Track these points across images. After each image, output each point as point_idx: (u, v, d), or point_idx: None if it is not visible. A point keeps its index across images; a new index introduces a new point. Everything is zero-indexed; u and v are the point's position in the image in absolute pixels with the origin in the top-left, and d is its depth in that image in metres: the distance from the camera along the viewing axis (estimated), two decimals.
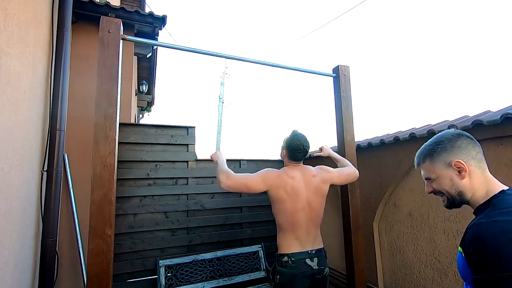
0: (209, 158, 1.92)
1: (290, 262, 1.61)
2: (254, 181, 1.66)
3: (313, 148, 2.27)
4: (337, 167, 1.92)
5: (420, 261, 1.98)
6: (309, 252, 1.65)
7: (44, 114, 2.34)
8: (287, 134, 1.85)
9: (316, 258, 1.65)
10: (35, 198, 2.20)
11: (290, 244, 1.66)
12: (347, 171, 1.87)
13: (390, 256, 2.22)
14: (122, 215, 2.63)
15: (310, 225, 1.70)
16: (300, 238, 1.66)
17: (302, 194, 1.69)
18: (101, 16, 1.49)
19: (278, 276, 1.65)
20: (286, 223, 1.68)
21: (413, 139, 1.92)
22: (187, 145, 2.96)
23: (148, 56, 4.27)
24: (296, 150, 1.73)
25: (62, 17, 2.49)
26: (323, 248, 1.73)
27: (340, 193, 2.07)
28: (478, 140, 0.85)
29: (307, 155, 1.81)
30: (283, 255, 1.64)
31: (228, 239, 3.00)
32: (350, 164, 1.94)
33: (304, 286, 1.63)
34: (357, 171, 1.90)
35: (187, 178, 2.92)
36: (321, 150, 2.09)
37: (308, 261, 1.63)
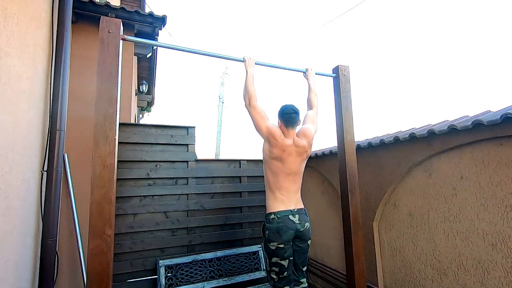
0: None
1: (276, 218, 1.91)
2: (263, 120, 1.98)
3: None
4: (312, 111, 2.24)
5: (420, 261, 1.98)
6: (292, 210, 1.96)
7: (44, 114, 2.34)
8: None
9: (297, 215, 1.96)
10: (35, 198, 2.20)
11: (277, 205, 1.96)
12: (316, 120, 2.22)
13: (390, 256, 2.22)
14: (122, 215, 2.63)
15: (294, 188, 2.02)
16: (285, 200, 1.97)
17: (292, 162, 1.99)
18: (101, 16, 1.49)
19: (267, 232, 1.94)
20: (275, 187, 1.98)
21: (413, 139, 1.91)
22: (187, 145, 2.96)
23: (148, 56, 4.27)
24: (288, 113, 2.03)
25: (62, 17, 2.49)
26: (304, 208, 2.06)
27: (340, 193, 2.07)
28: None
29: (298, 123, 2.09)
30: (271, 213, 1.95)
31: (228, 239, 3.00)
32: (316, 103, 2.27)
33: (289, 237, 1.91)
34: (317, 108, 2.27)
35: (187, 178, 2.92)
36: (307, 70, 2.21)
37: (291, 217, 1.94)
